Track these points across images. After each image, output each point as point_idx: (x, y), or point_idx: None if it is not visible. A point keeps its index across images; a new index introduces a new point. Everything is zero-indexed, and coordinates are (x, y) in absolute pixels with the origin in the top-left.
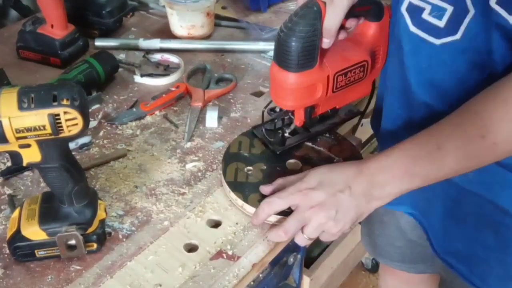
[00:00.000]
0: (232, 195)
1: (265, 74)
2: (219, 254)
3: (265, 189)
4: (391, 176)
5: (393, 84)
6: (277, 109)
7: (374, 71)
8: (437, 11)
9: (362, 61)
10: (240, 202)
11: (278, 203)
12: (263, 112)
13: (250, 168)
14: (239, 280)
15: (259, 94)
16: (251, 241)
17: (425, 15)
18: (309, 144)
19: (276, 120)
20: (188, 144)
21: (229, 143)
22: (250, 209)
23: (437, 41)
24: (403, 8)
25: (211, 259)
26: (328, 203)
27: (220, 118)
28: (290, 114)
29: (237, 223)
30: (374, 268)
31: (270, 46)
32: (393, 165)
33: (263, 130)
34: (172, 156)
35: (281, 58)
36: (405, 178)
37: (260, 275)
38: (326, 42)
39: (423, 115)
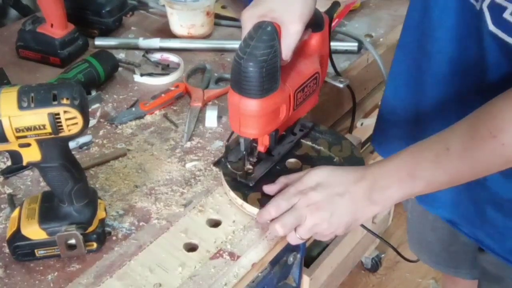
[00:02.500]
0: (232, 194)
1: None
2: (219, 253)
3: (268, 189)
4: (393, 179)
5: (448, 88)
6: (241, 140)
7: (321, 81)
8: None
9: (315, 73)
10: (239, 201)
11: (283, 205)
12: (226, 146)
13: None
14: (239, 279)
15: None
16: (251, 240)
17: (507, 15)
18: (309, 143)
19: (234, 150)
20: (188, 144)
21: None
22: (250, 208)
23: None
24: (485, 6)
25: (211, 259)
26: (325, 205)
27: (219, 117)
28: (252, 142)
29: (237, 223)
30: (374, 268)
31: None
32: (396, 168)
33: (228, 165)
34: (172, 155)
35: (243, 86)
36: (407, 181)
37: (260, 275)
38: (284, 62)
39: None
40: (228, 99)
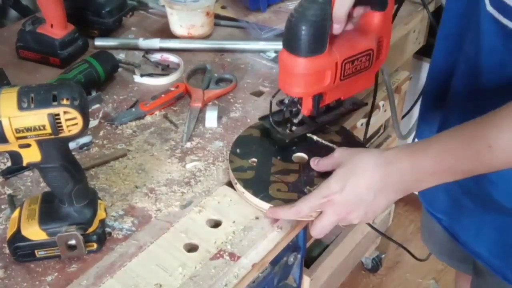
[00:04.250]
0: (239, 187)
1: (264, 74)
2: (219, 254)
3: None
4: (423, 174)
5: (460, 66)
6: (286, 101)
7: (378, 62)
8: None
9: (368, 49)
10: (248, 195)
11: (305, 211)
12: (271, 102)
13: (254, 160)
14: (239, 280)
15: (258, 93)
16: (251, 241)
17: None
18: (314, 137)
19: (284, 111)
20: (188, 144)
21: (238, 136)
22: (257, 202)
23: (511, 25)
24: None
25: (211, 259)
26: (357, 207)
27: (219, 118)
28: (298, 104)
29: (237, 223)
30: (374, 268)
31: (269, 46)
32: (432, 163)
33: (271, 120)
34: (172, 156)
35: (291, 43)
36: (445, 175)
37: (260, 275)
38: (336, 28)
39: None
40: (279, 57)
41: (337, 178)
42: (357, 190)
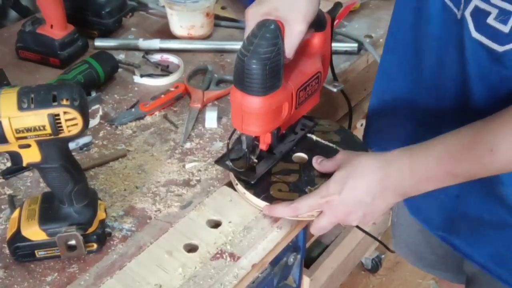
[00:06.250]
0: (240, 188)
1: None
2: (219, 254)
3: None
4: (424, 179)
5: (447, 89)
6: (243, 137)
7: (322, 81)
8: (503, 15)
9: (317, 72)
10: (249, 195)
11: (303, 210)
12: (227, 143)
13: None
14: (239, 280)
15: None
16: (251, 241)
17: (490, 20)
18: (313, 137)
19: (237, 148)
20: (188, 145)
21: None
22: (258, 202)
23: (500, 48)
24: (467, 13)
25: (211, 259)
26: (355, 210)
27: (219, 118)
28: (254, 140)
29: (237, 223)
30: (374, 268)
31: None
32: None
33: (229, 163)
34: (172, 156)
35: (246, 83)
36: (447, 179)
37: (260, 275)
38: (287, 60)
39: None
40: (230, 97)
41: (336, 180)
42: (356, 192)
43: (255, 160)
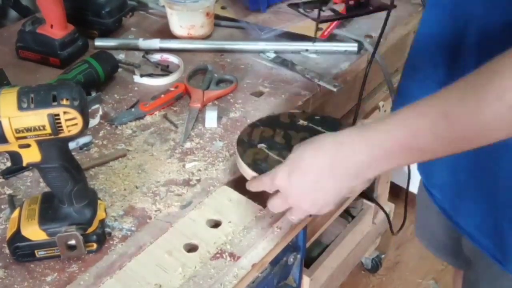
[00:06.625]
0: (250, 171)
1: (264, 74)
2: (219, 254)
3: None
4: (383, 153)
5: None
6: None
7: None
8: None
9: None
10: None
11: (253, 187)
12: None
13: (263, 145)
14: (239, 280)
15: (258, 94)
16: (251, 241)
17: None
18: (319, 128)
19: None
20: (188, 144)
21: (242, 130)
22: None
23: None
24: None
25: (211, 259)
26: (305, 197)
27: (219, 118)
28: None
29: (237, 223)
30: (374, 268)
31: (269, 46)
32: (386, 139)
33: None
34: (171, 156)
35: None
36: (400, 153)
37: (260, 275)
38: None
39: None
40: None
41: (287, 163)
42: (304, 175)
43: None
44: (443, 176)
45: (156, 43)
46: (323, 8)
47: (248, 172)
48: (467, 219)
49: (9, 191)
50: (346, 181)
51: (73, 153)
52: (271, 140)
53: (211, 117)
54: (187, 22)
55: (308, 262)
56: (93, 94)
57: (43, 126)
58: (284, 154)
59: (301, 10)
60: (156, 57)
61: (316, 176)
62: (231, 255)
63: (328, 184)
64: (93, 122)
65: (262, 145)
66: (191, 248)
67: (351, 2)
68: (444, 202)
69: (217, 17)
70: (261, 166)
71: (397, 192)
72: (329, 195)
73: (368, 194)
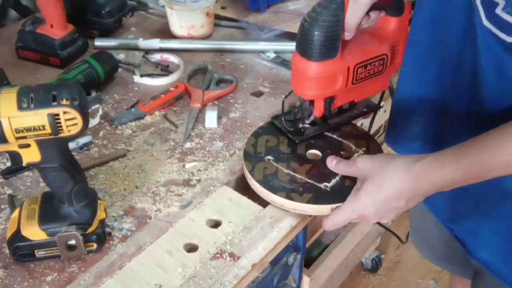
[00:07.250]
0: (261, 188)
1: (264, 74)
2: (219, 254)
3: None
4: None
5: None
6: (297, 103)
7: (393, 66)
8: (510, 7)
9: (381, 54)
10: (273, 196)
11: (337, 226)
12: (283, 102)
13: (271, 157)
14: (239, 280)
15: (258, 94)
16: (251, 241)
17: (498, 11)
18: (329, 134)
19: (296, 111)
20: (188, 144)
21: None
22: (279, 200)
23: (509, 39)
24: (478, 1)
25: (211, 259)
26: (379, 216)
27: (219, 118)
28: (310, 106)
29: (237, 223)
30: (374, 268)
31: (269, 46)
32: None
33: (283, 120)
34: (171, 156)
35: (303, 48)
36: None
37: (260, 275)
38: (347, 35)
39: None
40: (292, 60)
41: (367, 192)
42: (389, 202)
43: (308, 124)
44: (445, 203)
45: (156, 43)
46: (306, 122)
47: (259, 189)
48: (474, 244)
49: (9, 191)
50: (423, 199)
51: (73, 153)
52: (277, 150)
53: (211, 117)
54: (187, 22)
55: (308, 262)
56: (93, 94)
57: (43, 126)
58: (292, 165)
59: (285, 125)
60: (156, 57)
61: (399, 200)
62: (231, 255)
63: (411, 203)
64: (93, 122)
65: (269, 157)
66: (191, 248)
67: (334, 110)
68: (443, 213)
69: (217, 17)
70: (272, 183)
71: None
72: (404, 210)
73: None
